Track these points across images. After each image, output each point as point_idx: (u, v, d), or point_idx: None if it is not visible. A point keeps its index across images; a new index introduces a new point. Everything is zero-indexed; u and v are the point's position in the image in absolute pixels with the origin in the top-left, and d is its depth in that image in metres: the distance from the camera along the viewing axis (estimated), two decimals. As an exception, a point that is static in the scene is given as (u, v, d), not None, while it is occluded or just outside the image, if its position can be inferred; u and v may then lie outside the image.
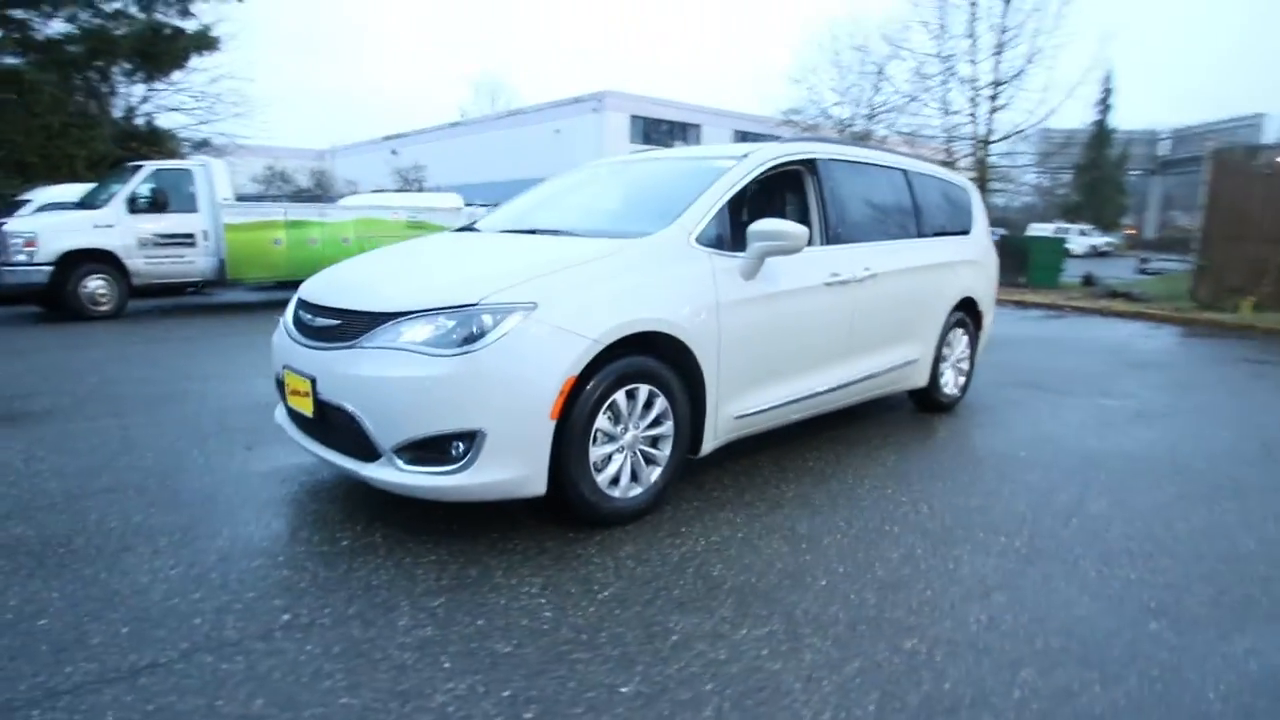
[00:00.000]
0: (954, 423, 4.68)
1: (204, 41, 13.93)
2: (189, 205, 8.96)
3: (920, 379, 4.58)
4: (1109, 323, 10.70)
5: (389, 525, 2.86)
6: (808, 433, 4.16)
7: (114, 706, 1.79)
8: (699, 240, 3.15)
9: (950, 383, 4.90)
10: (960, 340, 4.94)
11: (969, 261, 4.93)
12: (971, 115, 16.23)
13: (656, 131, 29.27)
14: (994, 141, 16.70)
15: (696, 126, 30.39)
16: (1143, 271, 22.86)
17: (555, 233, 3.41)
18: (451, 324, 2.56)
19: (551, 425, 2.59)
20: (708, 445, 3.21)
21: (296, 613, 2.24)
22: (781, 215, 3.54)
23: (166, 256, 8.82)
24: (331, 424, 2.75)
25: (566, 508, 2.76)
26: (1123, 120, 37.26)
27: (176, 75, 14.47)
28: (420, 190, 20.98)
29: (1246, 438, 4.46)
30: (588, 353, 2.64)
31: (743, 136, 31.69)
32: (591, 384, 2.68)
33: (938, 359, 4.68)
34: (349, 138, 43.12)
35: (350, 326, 2.73)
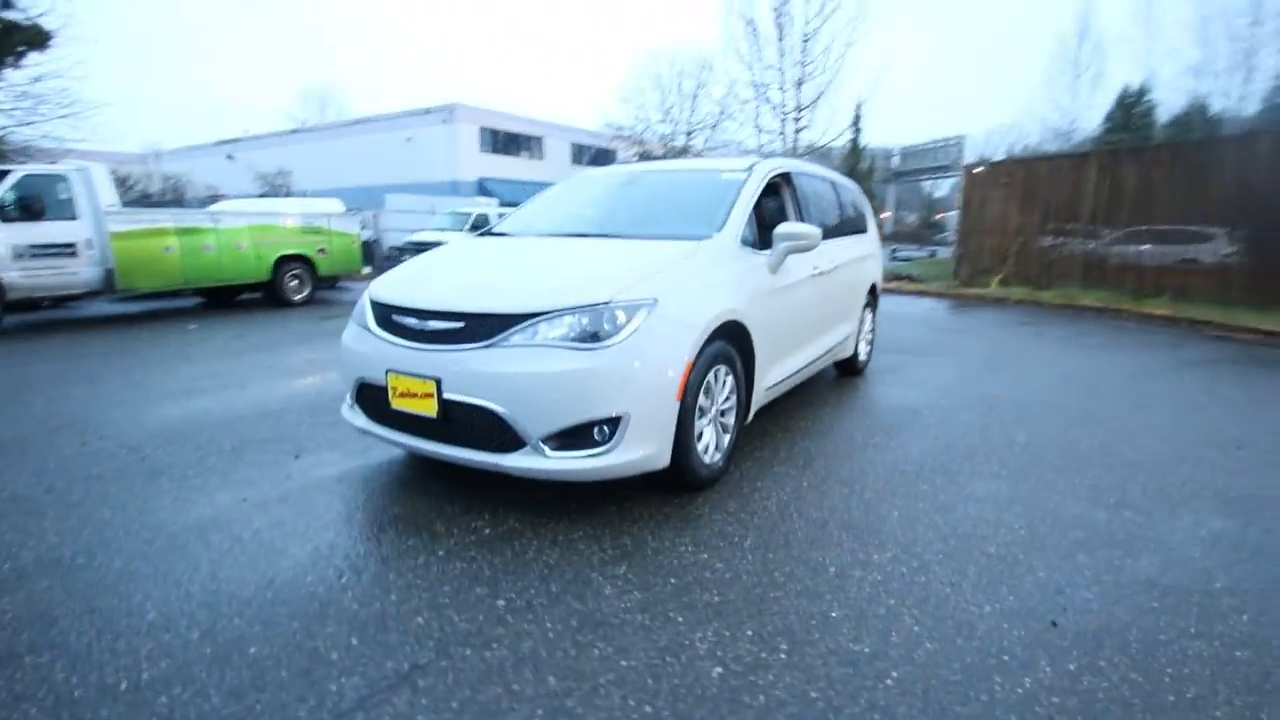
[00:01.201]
0: (873, 383, 5.20)
1: (36, 37, 11.32)
2: (67, 212, 7.40)
3: (849, 350, 5.04)
4: (907, 299, 12.17)
5: (514, 510, 2.73)
6: (778, 404, 4.41)
7: (416, 711, 1.63)
8: (741, 241, 3.28)
9: (863, 352, 5.44)
10: (868, 317, 5.48)
11: (872, 255, 5.48)
12: (781, 134, 17.57)
13: (502, 142, 28.34)
14: (801, 156, 18.25)
15: (539, 139, 29.84)
16: (894, 259, 26.05)
17: (609, 236, 3.35)
18: (586, 321, 2.51)
19: (677, 405, 2.62)
20: (752, 413, 3.37)
21: (507, 597, 2.12)
22: (777, 219, 3.73)
23: (45, 268, 7.25)
24: (459, 421, 2.57)
25: (679, 476, 2.78)
26: (870, 139, 41.97)
27: (9, 74, 11.68)
28: (288, 196, 18.82)
29: (1069, 380, 5.41)
30: (698, 341, 2.70)
31: (580, 149, 31.65)
32: (697, 368, 2.73)
33: (859, 333, 5.17)
34: (170, 141, 37.40)
35: (479, 328, 2.56)
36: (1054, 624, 2.03)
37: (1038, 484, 3.14)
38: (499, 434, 2.52)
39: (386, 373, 2.72)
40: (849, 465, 3.36)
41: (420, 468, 3.20)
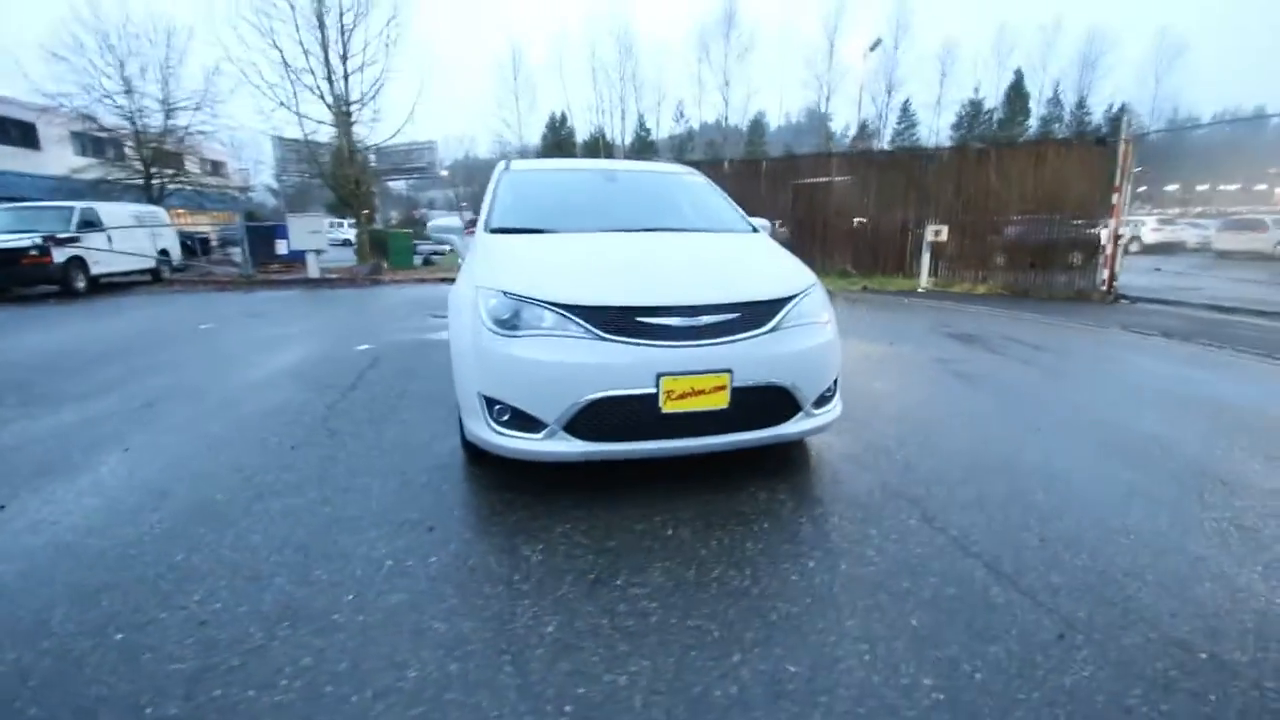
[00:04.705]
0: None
1: None
2: None
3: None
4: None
5: (763, 484, 2.83)
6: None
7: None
8: (754, 233, 3.84)
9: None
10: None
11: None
12: (335, 126, 15.77)
13: None
14: (357, 152, 16.75)
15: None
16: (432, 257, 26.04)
17: (675, 230, 3.39)
18: (813, 301, 2.84)
19: (839, 367, 3.18)
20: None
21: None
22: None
23: None
24: (746, 406, 2.55)
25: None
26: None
27: None
28: None
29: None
30: (821, 313, 3.29)
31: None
32: None
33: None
34: None
35: (756, 315, 2.59)
36: (1037, 429, 3.60)
37: (949, 390, 4.81)
38: (780, 408, 2.66)
39: (659, 377, 2.41)
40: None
41: (585, 485, 2.76)
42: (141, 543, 2.31)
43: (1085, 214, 10.44)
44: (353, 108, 15.89)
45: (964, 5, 68.78)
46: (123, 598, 1.98)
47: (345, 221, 37.48)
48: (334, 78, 15.36)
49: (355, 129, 16.27)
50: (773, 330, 2.61)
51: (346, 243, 36.65)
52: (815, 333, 2.73)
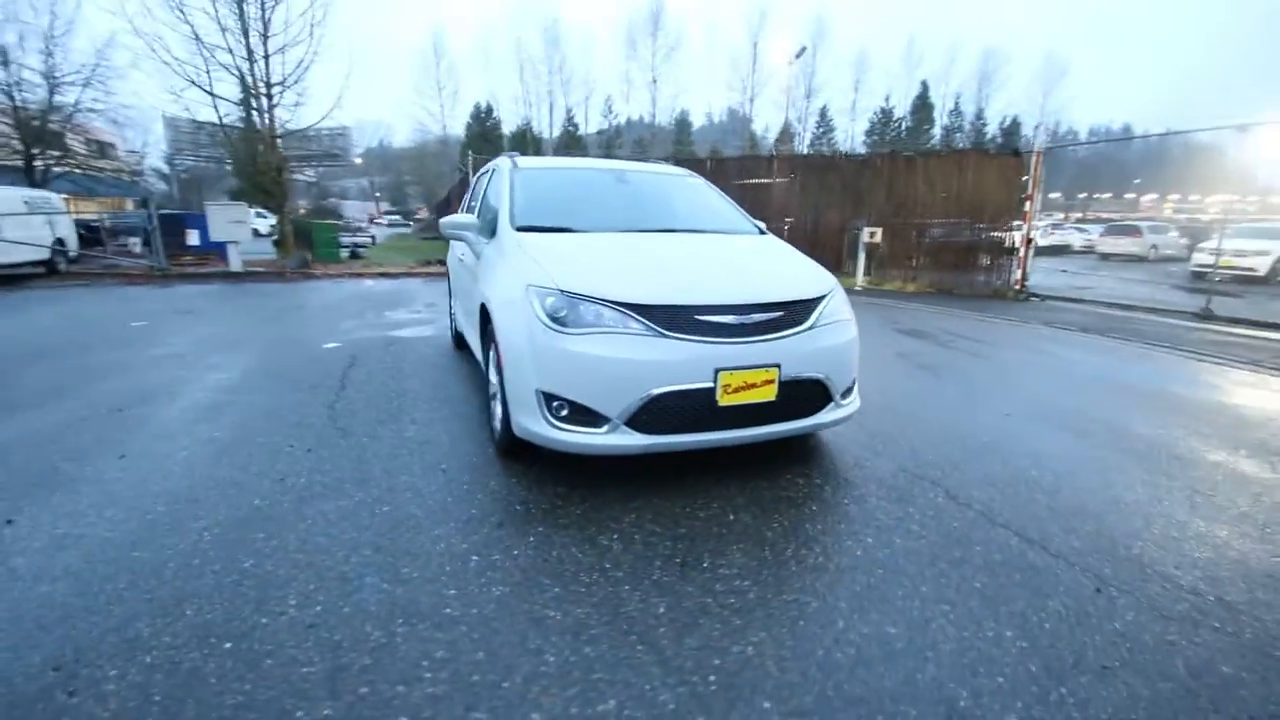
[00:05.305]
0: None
1: None
2: None
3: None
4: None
5: (799, 473, 3.03)
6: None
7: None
8: (754, 234, 4.04)
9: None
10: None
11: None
12: (255, 109, 14.76)
13: None
14: (280, 137, 15.72)
15: None
16: (355, 250, 24.87)
17: (692, 231, 3.55)
18: (837, 300, 3.07)
19: (853, 362, 3.44)
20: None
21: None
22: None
23: None
24: (790, 398, 2.75)
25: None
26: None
27: None
28: None
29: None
30: (834, 310, 3.54)
31: None
32: None
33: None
34: None
35: (797, 314, 2.78)
36: (1008, 415, 4.02)
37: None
38: (815, 399, 2.87)
39: (717, 372, 2.56)
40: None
41: (631, 477, 2.87)
42: (200, 552, 2.22)
43: (1001, 218, 11.43)
44: (274, 90, 14.94)
45: (877, 16, 72.99)
46: (210, 607, 1.92)
47: (254, 211, 34.97)
48: (254, 57, 14.38)
49: (277, 113, 15.29)
50: (811, 327, 2.81)
51: (255, 233, 34.28)
52: (844, 329, 2.97)
